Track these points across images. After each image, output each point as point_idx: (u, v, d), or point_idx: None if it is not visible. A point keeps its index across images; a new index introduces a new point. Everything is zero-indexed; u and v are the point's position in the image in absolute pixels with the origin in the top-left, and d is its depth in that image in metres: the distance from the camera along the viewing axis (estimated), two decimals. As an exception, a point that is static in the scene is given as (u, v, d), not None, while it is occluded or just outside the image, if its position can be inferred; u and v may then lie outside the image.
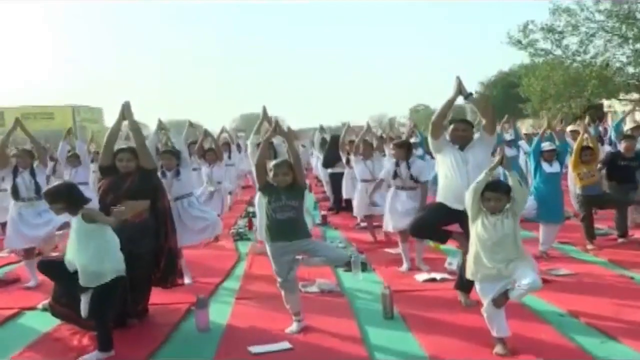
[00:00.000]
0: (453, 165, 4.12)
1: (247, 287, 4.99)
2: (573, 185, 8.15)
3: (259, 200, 5.04)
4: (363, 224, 7.58)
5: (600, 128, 11.14)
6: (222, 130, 12.05)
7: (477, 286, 3.40)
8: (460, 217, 4.05)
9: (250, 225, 8.11)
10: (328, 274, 5.15)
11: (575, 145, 6.13)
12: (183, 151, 5.34)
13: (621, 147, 6.39)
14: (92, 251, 3.43)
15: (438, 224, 4.25)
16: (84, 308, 3.46)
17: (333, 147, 9.55)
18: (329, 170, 9.53)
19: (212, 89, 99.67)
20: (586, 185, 5.98)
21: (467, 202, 3.38)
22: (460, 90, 4.22)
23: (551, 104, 34.79)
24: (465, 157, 4.11)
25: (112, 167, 3.98)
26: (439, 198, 4.27)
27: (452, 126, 4.23)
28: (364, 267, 5.56)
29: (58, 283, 3.79)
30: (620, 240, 6.22)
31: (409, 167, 5.31)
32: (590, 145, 6.12)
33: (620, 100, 34.92)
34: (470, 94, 4.25)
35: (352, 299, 4.59)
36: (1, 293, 5.04)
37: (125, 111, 4.18)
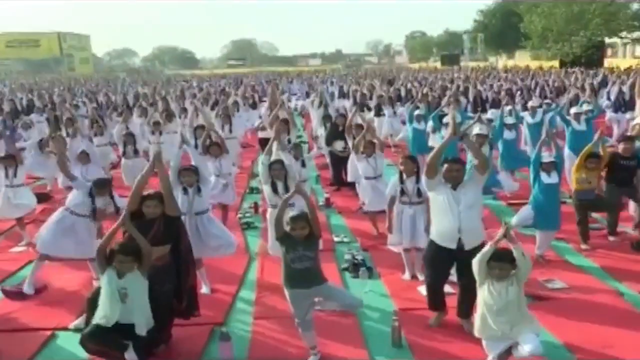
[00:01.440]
0: (445, 204, 4.35)
1: (263, 301, 5.28)
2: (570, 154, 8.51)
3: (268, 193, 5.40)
4: (365, 209, 7.86)
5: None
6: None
7: (483, 342, 3.72)
8: (452, 256, 4.39)
9: (256, 209, 8.39)
10: (336, 283, 5.43)
11: (583, 151, 6.31)
12: (201, 168, 5.50)
13: (619, 148, 6.55)
14: (146, 300, 3.72)
15: (441, 273, 4.55)
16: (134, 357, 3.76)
17: (333, 127, 9.68)
18: (329, 148, 9.66)
19: (202, 14, 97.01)
20: (581, 189, 6.23)
21: (474, 270, 3.63)
22: (455, 131, 4.42)
23: (551, 42, 34.49)
24: (457, 197, 4.33)
25: (139, 212, 4.19)
26: (432, 235, 4.52)
27: (446, 166, 4.38)
28: (370, 273, 5.91)
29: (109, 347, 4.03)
30: (611, 238, 6.55)
31: (417, 181, 5.43)
32: (601, 152, 6.30)
33: (622, 38, 34.55)
34: (466, 134, 4.43)
35: (361, 319, 4.90)
36: (29, 308, 5.28)
37: (156, 162, 4.40)
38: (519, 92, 17.20)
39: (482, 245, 4.07)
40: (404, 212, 5.51)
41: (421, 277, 5.56)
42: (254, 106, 17.36)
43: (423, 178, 4.53)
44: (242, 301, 5.38)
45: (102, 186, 5.53)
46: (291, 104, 25.32)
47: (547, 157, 5.81)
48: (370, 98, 18.41)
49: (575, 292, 5.25)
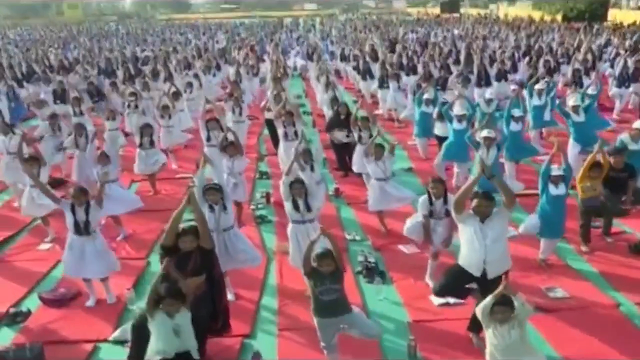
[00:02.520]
0: (473, 237, 4.68)
1: (286, 311, 5.66)
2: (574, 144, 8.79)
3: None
4: (370, 209, 8.15)
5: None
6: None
7: None
8: (477, 280, 4.75)
9: (267, 199, 8.69)
10: (352, 290, 5.78)
11: (587, 161, 6.59)
12: (224, 186, 5.76)
13: (611, 160, 6.81)
14: (192, 328, 4.11)
15: (459, 287, 4.90)
16: None
17: (335, 115, 9.84)
18: (330, 136, 9.88)
19: None
20: (587, 197, 6.57)
21: (478, 315, 4.03)
22: (484, 170, 4.69)
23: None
24: (485, 231, 4.65)
25: (175, 247, 4.50)
26: (460, 261, 4.86)
27: (476, 201, 4.68)
28: (383, 277, 6.28)
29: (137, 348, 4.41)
30: (608, 239, 6.93)
31: (445, 202, 5.73)
32: (602, 161, 6.58)
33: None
34: (494, 175, 4.72)
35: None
36: (67, 318, 5.63)
37: (192, 201, 4.69)
38: (527, 59, 17.29)
39: (506, 273, 4.52)
40: (432, 226, 5.82)
41: (431, 285, 5.96)
42: (255, 72, 17.33)
43: (452, 212, 4.83)
44: (265, 310, 5.76)
45: (78, 196, 5.59)
46: (290, 61, 25.29)
47: (556, 170, 6.09)
48: (376, 59, 18.52)
49: (575, 302, 5.64)
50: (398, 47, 23.83)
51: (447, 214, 5.73)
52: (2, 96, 13.73)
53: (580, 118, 8.87)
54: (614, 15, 38.96)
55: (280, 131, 9.00)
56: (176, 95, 11.79)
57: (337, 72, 22.11)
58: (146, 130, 9.00)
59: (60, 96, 13.30)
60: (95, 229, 5.68)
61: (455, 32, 33.18)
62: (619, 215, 6.86)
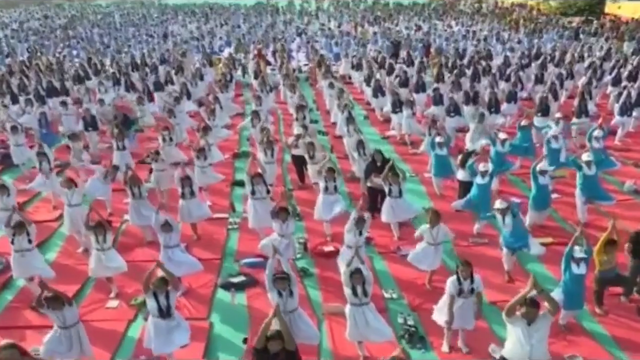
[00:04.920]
0: (519, 336, 5.51)
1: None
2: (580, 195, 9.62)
3: None
4: (405, 251, 9.01)
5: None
6: None
7: None
8: None
9: (305, 247, 9.42)
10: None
11: (603, 238, 7.39)
12: (289, 271, 6.51)
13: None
14: None
15: None
16: None
17: (372, 163, 10.51)
18: (368, 184, 10.58)
19: None
20: (604, 270, 7.39)
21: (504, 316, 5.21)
22: (534, 286, 5.50)
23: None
24: (531, 333, 5.48)
25: (265, 349, 5.28)
26: (506, 355, 5.69)
27: (524, 308, 5.48)
28: (424, 344, 7.10)
29: None
30: (623, 299, 7.79)
31: (472, 282, 6.53)
32: (615, 238, 7.39)
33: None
34: (542, 290, 5.53)
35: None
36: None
37: (277, 314, 5.44)
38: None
39: None
40: (457, 302, 6.60)
41: (465, 350, 6.82)
42: (270, 89, 17.90)
43: (503, 315, 5.62)
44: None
45: (160, 286, 6.20)
46: (293, 62, 25.81)
47: (578, 251, 6.89)
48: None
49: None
50: (402, 53, 24.48)
51: (472, 293, 6.56)
52: (34, 118, 14.32)
53: (592, 172, 9.66)
54: (610, 8, 39.50)
55: (321, 184, 9.66)
56: (206, 130, 12.39)
57: (343, 78, 22.62)
58: (186, 182, 9.59)
59: (90, 123, 13.86)
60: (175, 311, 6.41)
61: (456, 28, 33.69)
62: (633, 287, 7.69)
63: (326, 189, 9.52)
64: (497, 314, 7.34)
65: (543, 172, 9.52)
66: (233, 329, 7.47)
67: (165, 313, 6.25)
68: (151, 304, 6.24)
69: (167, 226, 7.88)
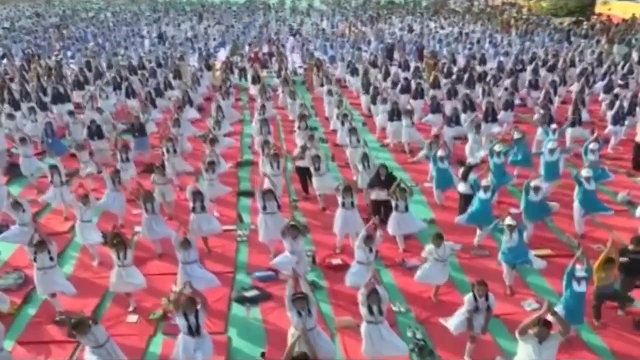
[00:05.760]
0: (531, 354, 5.90)
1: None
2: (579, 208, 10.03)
3: None
4: (411, 264, 9.41)
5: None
6: None
7: None
8: None
9: (314, 260, 9.76)
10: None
11: (601, 257, 7.79)
12: (309, 293, 6.85)
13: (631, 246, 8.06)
14: None
15: None
16: None
17: (376, 176, 10.85)
18: (371, 197, 10.92)
19: None
20: (602, 285, 7.81)
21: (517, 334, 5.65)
22: (548, 309, 5.91)
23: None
24: (541, 350, 5.87)
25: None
26: None
27: (537, 328, 5.86)
28: (432, 357, 7.48)
29: None
30: (619, 312, 8.21)
31: (487, 299, 6.92)
32: (613, 257, 7.79)
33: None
34: (555, 312, 5.92)
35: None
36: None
37: (304, 339, 5.75)
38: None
39: None
40: (474, 317, 7.01)
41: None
42: (269, 96, 18.13)
43: (516, 333, 6.02)
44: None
45: (189, 306, 6.53)
46: (289, 64, 26.05)
47: (579, 271, 7.28)
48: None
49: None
50: (396, 55, 24.85)
51: (489, 308, 6.96)
52: (39, 127, 14.51)
53: (591, 187, 10.07)
54: (600, 9, 40.09)
55: (339, 200, 9.93)
56: (213, 142, 12.67)
57: (338, 81, 22.85)
58: (198, 196, 9.87)
59: (96, 132, 14.07)
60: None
61: (448, 30, 34.09)
62: (628, 302, 8.11)
63: (343, 204, 9.84)
64: (500, 327, 7.82)
65: (536, 189, 9.90)
66: (251, 343, 7.80)
67: (194, 331, 6.58)
68: (181, 322, 6.56)
69: (186, 243, 8.17)
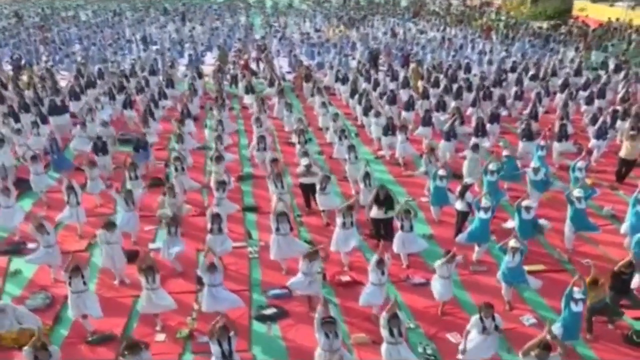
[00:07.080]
0: None
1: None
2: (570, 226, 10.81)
3: None
4: (417, 281, 10.09)
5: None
6: None
7: None
8: None
9: (324, 277, 10.30)
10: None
11: (589, 279, 8.55)
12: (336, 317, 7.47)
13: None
14: None
15: None
16: None
17: (377, 197, 11.40)
18: (371, 215, 11.53)
19: None
20: (593, 302, 8.57)
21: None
22: (549, 333, 6.60)
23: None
24: None
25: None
26: None
27: (537, 350, 6.55)
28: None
29: None
30: (610, 326, 9.00)
31: (493, 319, 7.55)
32: (597, 278, 8.57)
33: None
34: (555, 337, 6.63)
35: None
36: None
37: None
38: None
39: None
40: (481, 338, 7.63)
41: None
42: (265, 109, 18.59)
43: (520, 354, 6.70)
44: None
45: (222, 333, 7.09)
46: (277, 68, 26.50)
47: (577, 293, 8.00)
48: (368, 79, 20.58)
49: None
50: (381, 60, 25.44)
51: (497, 328, 7.63)
52: (45, 142, 14.76)
53: (582, 206, 10.83)
54: (577, 13, 41.24)
55: (339, 220, 10.50)
56: (219, 159, 13.13)
57: (327, 89, 23.30)
58: (216, 219, 10.36)
59: (101, 148, 14.41)
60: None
61: (431, 35, 34.80)
62: (617, 316, 8.90)
63: (344, 224, 10.42)
64: (502, 341, 8.47)
65: (528, 209, 10.61)
66: (274, 360, 8.37)
67: (227, 357, 7.14)
68: (215, 349, 7.11)
69: (212, 268, 8.72)
